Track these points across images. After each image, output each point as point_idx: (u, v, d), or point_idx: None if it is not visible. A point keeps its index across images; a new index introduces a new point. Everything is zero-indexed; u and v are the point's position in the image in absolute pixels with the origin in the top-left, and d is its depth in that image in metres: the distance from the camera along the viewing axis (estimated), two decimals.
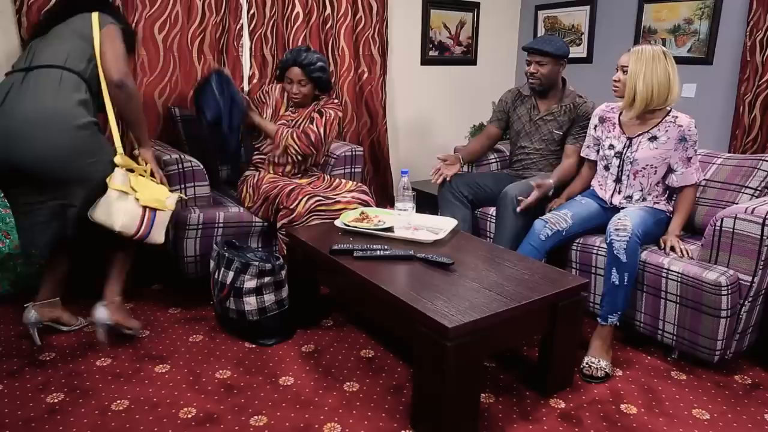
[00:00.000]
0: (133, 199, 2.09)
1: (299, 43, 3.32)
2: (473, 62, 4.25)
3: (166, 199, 2.19)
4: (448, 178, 2.82)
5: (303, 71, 2.68)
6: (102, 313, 2.17)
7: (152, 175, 2.24)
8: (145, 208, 2.11)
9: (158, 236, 2.17)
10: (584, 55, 4.00)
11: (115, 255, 2.25)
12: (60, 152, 1.97)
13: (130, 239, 2.12)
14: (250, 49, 3.23)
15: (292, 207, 2.47)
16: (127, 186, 2.09)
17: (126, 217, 2.06)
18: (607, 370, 2.09)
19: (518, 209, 2.52)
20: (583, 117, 2.74)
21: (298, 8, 3.30)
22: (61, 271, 2.28)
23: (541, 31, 4.26)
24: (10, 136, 1.94)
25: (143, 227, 2.11)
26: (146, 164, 2.24)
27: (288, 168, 2.78)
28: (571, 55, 2.87)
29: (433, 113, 4.16)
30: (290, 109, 2.79)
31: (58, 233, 2.09)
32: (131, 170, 2.16)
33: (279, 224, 2.52)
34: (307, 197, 2.50)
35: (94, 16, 2.14)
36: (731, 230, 2.04)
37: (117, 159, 2.11)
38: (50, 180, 2.01)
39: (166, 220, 2.19)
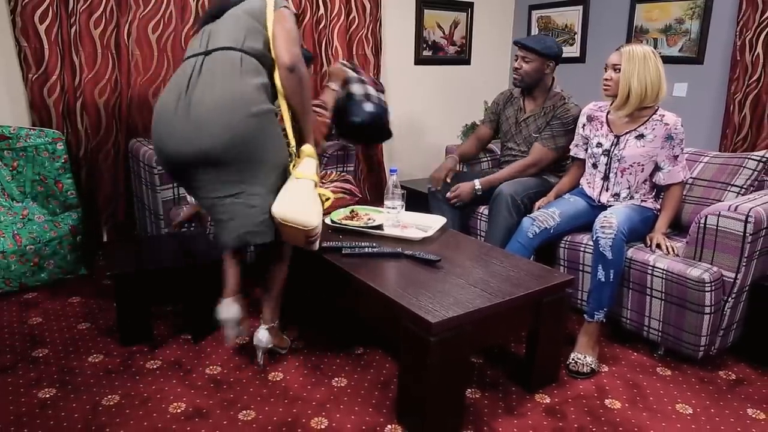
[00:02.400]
0: (317, 195, 1.96)
1: None
2: (467, 62, 4.28)
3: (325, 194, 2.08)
4: (448, 179, 2.87)
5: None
6: (264, 336, 2.05)
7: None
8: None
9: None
10: (577, 54, 4.02)
11: (275, 269, 2.08)
12: (243, 138, 1.81)
13: (306, 242, 1.94)
14: None
15: None
16: (317, 175, 1.93)
17: (320, 215, 1.92)
18: (593, 365, 2.11)
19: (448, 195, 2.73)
20: (557, 119, 2.75)
21: (291, 8, 3.31)
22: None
23: (534, 31, 4.29)
24: (198, 125, 1.80)
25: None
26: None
27: None
28: (564, 55, 2.87)
29: (426, 113, 4.18)
30: None
31: (239, 234, 1.89)
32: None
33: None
34: None
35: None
36: (715, 227, 2.07)
37: (305, 148, 1.97)
38: (234, 169, 1.85)
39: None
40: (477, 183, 2.79)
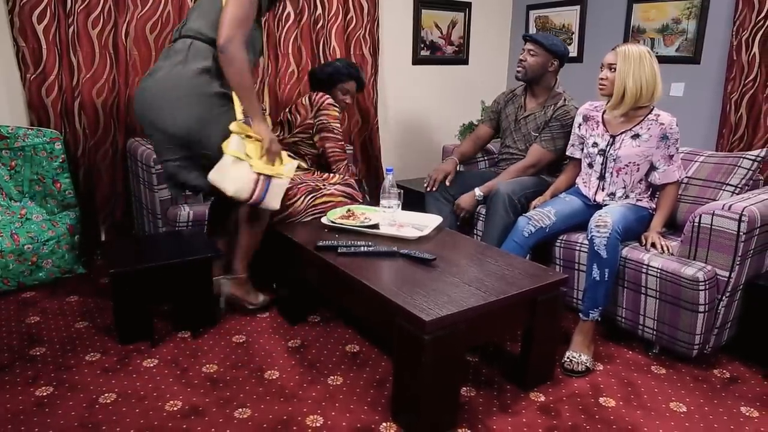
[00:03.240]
0: (248, 166, 2.12)
1: (290, 44, 3.36)
2: (465, 62, 4.29)
3: (283, 166, 2.24)
4: (447, 182, 2.88)
5: (357, 86, 2.94)
6: (225, 284, 2.38)
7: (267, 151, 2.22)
8: (258, 174, 2.15)
9: (274, 203, 2.24)
10: (575, 54, 4.02)
11: (242, 230, 2.34)
12: (177, 120, 2.09)
13: (246, 205, 2.23)
14: None
15: (288, 203, 2.49)
16: (242, 152, 2.11)
17: (239, 182, 2.12)
18: (587, 364, 2.12)
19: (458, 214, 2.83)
20: (555, 119, 2.76)
21: (289, 8, 3.33)
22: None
23: (532, 31, 4.29)
24: (145, 103, 2.14)
25: (256, 193, 2.15)
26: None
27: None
28: None
29: (424, 112, 4.19)
30: None
31: (182, 184, 2.27)
32: (249, 137, 2.17)
33: (275, 219, 2.53)
34: (303, 196, 2.53)
35: None
36: (709, 226, 2.08)
37: (233, 126, 2.13)
38: (174, 145, 2.18)
39: (283, 187, 2.26)
40: (478, 191, 2.80)
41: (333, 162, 2.77)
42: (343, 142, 2.80)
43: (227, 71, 2.08)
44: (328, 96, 2.76)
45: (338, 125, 2.76)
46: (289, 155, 2.36)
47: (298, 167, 2.84)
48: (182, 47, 2.14)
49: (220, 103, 2.15)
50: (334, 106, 2.75)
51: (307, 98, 2.78)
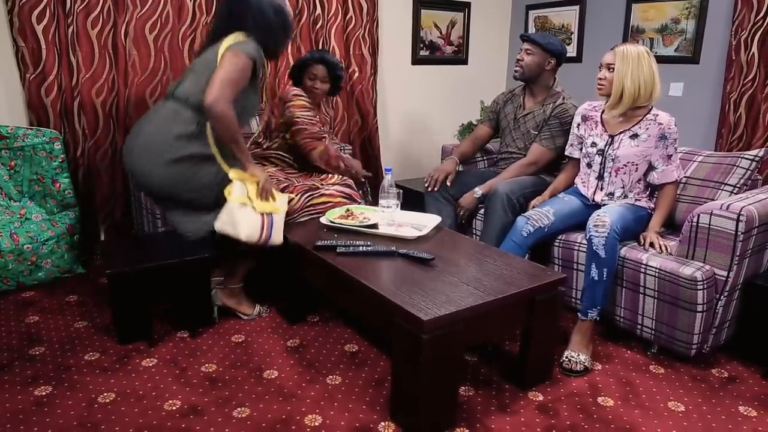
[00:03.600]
0: (251, 209, 2.19)
1: (289, 43, 3.35)
2: (464, 62, 4.29)
3: (277, 202, 2.30)
4: (448, 182, 2.88)
5: (327, 69, 2.75)
6: (215, 297, 2.43)
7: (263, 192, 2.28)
8: (262, 214, 2.21)
9: (277, 238, 2.28)
10: (574, 54, 4.03)
11: (237, 261, 2.43)
12: (155, 183, 2.21)
13: (255, 246, 2.26)
14: None
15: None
16: (245, 197, 2.19)
17: (250, 227, 2.19)
18: (586, 363, 2.12)
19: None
20: (554, 118, 2.76)
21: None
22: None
23: (531, 31, 4.29)
24: (131, 164, 2.25)
25: (264, 232, 2.22)
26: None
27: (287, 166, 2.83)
28: None
29: (424, 112, 4.19)
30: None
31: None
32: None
33: None
34: (299, 194, 2.53)
35: (228, 39, 2.19)
36: (707, 226, 2.08)
37: (232, 173, 2.21)
38: (156, 200, 2.39)
39: (281, 222, 2.30)
40: (478, 190, 2.80)
41: (308, 152, 2.65)
42: (314, 129, 2.66)
43: (215, 128, 2.16)
44: (293, 87, 2.73)
45: (306, 113, 2.64)
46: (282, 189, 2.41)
47: (296, 168, 2.85)
48: (167, 114, 2.21)
49: (193, 162, 2.20)
50: (300, 95, 2.67)
51: (278, 97, 2.77)
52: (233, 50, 2.13)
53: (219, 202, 2.23)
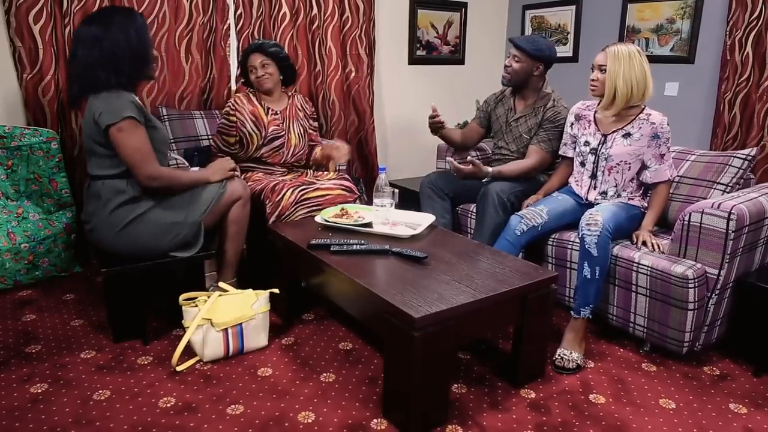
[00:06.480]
0: (209, 327, 2.09)
1: (286, 43, 3.37)
2: (461, 62, 4.30)
3: (252, 305, 2.16)
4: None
5: (260, 52, 2.77)
6: (213, 290, 2.37)
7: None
8: (223, 330, 2.11)
9: (257, 341, 2.20)
10: (570, 54, 4.05)
11: (228, 236, 2.43)
12: (119, 251, 2.22)
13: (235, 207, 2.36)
14: (238, 49, 3.28)
15: (277, 199, 2.51)
16: (199, 319, 2.08)
17: (209, 347, 2.10)
18: (578, 361, 2.14)
19: (453, 169, 2.67)
20: (548, 120, 2.76)
21: (285, 8, 3.35)
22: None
23: (528, 31, 4.31)
24: (96, 243, 2.29)
25: (231, 347, 2.14)
26: None
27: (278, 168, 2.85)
28: (557, 54, 2.88)
29: (420, 112, 4.17)
30: (270, 114, 2.83)
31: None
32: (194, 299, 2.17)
33: (270, 220, 2.55)
34: (291, 189, 2.55)
35: (95, 110, 2.10)
36: (699, 225, 2.09)
37: (180, 299, 2.15)
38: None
39: (259, 324, 2.19)
40: (489, 169, 2.71)
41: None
42: (216, 135, 2.83)
43: (164, 190, 2.25)
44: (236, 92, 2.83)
45: (224, 118, 2.80)
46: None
47: (290, 171, 2.87)
48: (96, 191, 2.21)
49: (148, 217, 2.21)
50: (232, 99, 2.84)
51: None
52: (114, 129, 2.08)
53: (191, 227, 2.26)
